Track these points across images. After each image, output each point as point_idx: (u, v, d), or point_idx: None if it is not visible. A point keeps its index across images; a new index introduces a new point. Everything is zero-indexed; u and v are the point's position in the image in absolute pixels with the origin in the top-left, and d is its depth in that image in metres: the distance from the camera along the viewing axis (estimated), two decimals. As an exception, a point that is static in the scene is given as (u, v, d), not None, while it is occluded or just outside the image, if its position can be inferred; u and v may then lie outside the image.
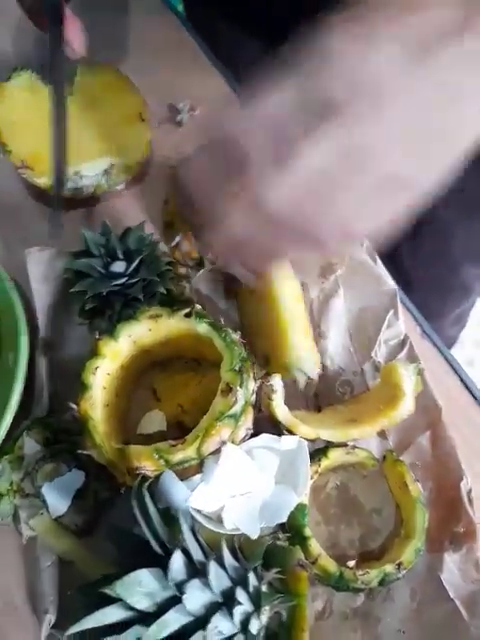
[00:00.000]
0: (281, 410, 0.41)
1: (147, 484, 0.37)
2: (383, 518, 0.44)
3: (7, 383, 0.42)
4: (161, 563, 0.35)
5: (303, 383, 0.47)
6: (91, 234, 0.43)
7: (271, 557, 0.39)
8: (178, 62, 0.62)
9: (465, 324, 1.04)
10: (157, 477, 0.38)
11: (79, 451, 0.40)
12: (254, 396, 0.42)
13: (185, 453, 0.38)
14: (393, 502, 0.44)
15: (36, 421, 0.43)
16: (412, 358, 0.47)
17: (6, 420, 0.40)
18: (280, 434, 0.41)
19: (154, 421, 0.45)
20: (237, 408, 0.39)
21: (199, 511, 0.39)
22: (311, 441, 0.44)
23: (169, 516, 0.39)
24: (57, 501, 0.41)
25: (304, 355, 0.44)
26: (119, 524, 0.40)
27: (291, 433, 0.41)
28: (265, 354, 0.46)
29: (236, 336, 0.42)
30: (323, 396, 0.48)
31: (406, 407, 0.42)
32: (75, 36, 0.44)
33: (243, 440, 0.41)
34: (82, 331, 0.48)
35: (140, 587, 0.34)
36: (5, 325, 0.45)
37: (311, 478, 0.42)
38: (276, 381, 0.41)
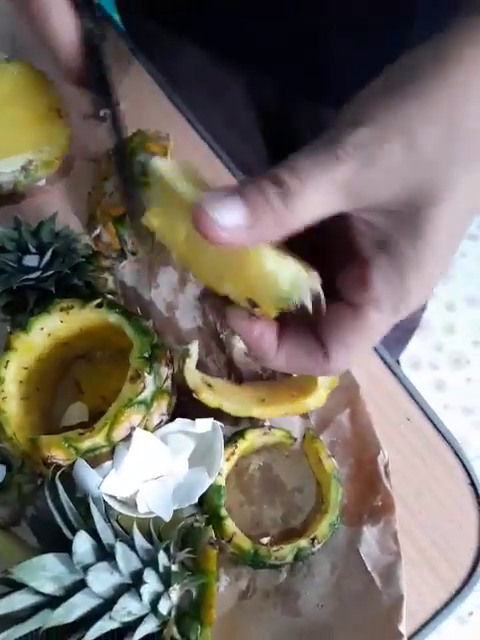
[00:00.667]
0: (191, 374, 0.42)
1: (59, 473, 0.38)
2: (305, 496, 0.45)
3: None
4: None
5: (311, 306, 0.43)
6: (2, 229, 0.44)
7: (187, 538, 0.40)
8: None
9: (426, 306, 1.05)
10: (72, 466, 0.39)
11: (-7, 444, 0.40)
12: (168, 382, 0.42)
13: (94, 440, 0.38)
14: (314, 480, 0.45)
15: (-44, 417, 0.43)
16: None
17: None
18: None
19: (76, 413, 0.45)
20: (147, 394, 0.40)
21: (113, 497, 0.39)
22: (233, 423, 0.45)
23: (86, 504, 0.40)
24: (-22, 495, 0.42)
25: (289, 276, 0.30)
26: (42, 515, 0.41)
27: (197, 397, 0.42)
28: (247, 298, 0.33)
29: (148, 323, 0.43)
30: (247, 373, 0.49)
31: (314, 400, 0.43)
32: None
33: (158, 426, 0.42)
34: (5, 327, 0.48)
35: (44, 571, 0.34)
36: None
37: (227, 459, 0.43)
38: (193, 347, 0.43)
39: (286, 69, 0.59)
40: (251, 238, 0.26)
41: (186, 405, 0.45)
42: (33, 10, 0.33)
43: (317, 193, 0.25)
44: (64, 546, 0.37)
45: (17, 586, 0.35)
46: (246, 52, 0.59)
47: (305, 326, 0.31)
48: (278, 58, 0.58)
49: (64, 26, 0.33)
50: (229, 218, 0.25)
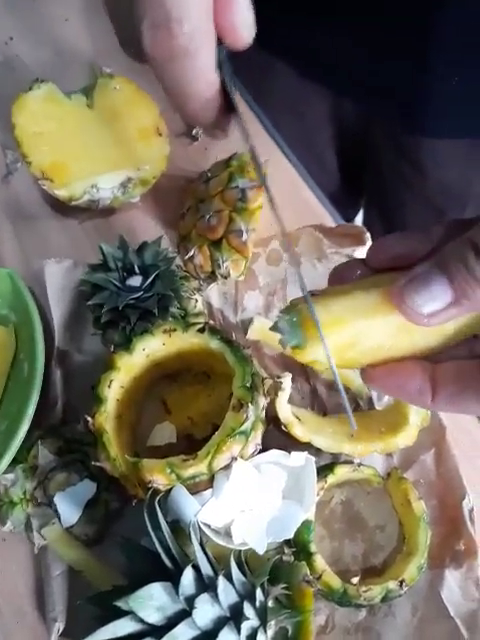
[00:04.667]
0: (283, 408, 0.43)
1: (158, 497, 0.38)
2: (386, 534, 0.45)
3: (23, 392, 0.42)
4: (170, 576, 0.36)
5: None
6: (109, 248, 0.44)
7: (277, 572, 0.40)
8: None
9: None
10: (168, 491, 0.39)
11: (92, 462, 0.40)
12: (263, 412, 0.42)
13: (197, 468, 0.39)
14: (396, 519, 0.45)
15: (49, 430, 0.44)
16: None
17: (22, 429, 0.40)
18: (287, 450, 0.42)
19: (164, 433, 0.45)
20: (248, 424, 0.40)
21: (208, 525, 0.39)
22: (315, 453, 0.45)
23: (178, 529, 0.40)
24: (69, 511, 0.42)
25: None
26: (128, 535, 0.41)
27: (288, 431, 0.43)
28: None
29: (247, 352, 0.43)
30: (331, 404, 0.49)
31: (404, 438, 0.43)
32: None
33: (252, 455, 0.42)
34: (95, 341, 0.48)
35: (152, 601, 0.34)
36: (22, 335, 0.45)
37: (317, 494, 0.43)
38: (286, 381, 0.43)
39: (376, 98, 0.59)
40: (460, 313, 0.25)
41: (269, 433, 0.45)
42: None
43: None
44: (156, 569, 0.37)
45: (120, 613, 0.35)
46: (339, 76, 0.59)
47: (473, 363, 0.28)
48: (371, 88, 0.58)
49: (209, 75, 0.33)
50: (436, 305, 0.25)
